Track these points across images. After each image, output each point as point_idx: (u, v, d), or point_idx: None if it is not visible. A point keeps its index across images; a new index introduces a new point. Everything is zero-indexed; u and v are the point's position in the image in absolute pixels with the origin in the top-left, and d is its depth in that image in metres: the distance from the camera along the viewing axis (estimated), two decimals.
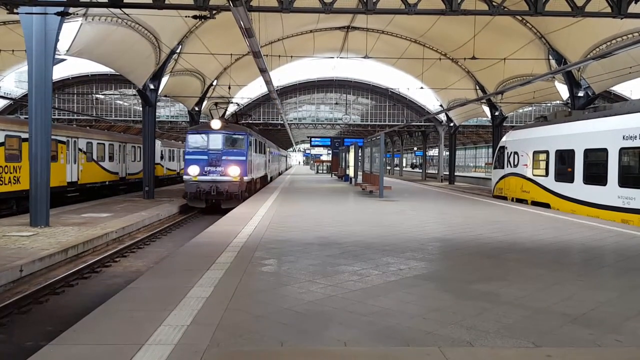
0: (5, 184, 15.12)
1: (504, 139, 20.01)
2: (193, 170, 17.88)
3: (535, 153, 16.53)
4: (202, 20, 11.98)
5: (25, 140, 15.72)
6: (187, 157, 18.41)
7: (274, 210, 13.17)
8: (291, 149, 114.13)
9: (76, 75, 47.66)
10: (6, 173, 15.12)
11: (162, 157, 31.60)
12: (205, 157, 18.07)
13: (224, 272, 5.91)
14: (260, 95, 48.07)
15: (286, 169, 61.96)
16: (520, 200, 17.29)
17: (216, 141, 18.36)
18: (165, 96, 27.64)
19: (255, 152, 21.38)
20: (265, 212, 12.53)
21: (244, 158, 18.36)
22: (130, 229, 13.33)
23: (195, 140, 18.56)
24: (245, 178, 18.28)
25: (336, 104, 51.48)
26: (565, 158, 14.80)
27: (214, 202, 18.19)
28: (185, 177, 18.21)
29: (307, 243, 8.05)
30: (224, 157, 18.11)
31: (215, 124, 18.44)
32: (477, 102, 30.35)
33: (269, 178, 30.33)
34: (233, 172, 17.87)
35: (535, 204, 16.03)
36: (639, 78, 21.83)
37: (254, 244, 7.92)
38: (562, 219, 12.00)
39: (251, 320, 4.25)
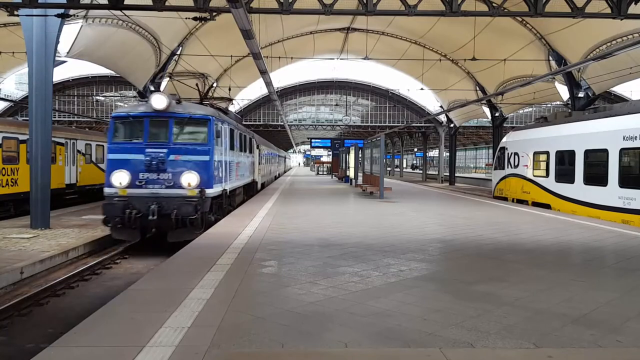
0: (3, 187, 15.11)
1: (504, 139, 20.01)
2: (119, 179, 10.80)
3: (536, 154, 16.53)
4: (203, 22, 12.00)
5: (23, 142, 15.72)
6: (109, 156, 11.26)
7: (274, 211, 13.17)
8: (291, 150, 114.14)
9: (76, 77, 47.75)
10: (3, 175, 15.11)
11: None
12: (141, 157, 10.98)
13: (224, 274, 5.91)
14: (261, 96, 48.16)
15: (285, 172, 58.19)
16: (520, 201, 17.28)
17: (159, 129, 11.31)
18: None
19: (233, 148, 14.49)
20: (266, 214, 12.53)
21: (206, 157, 11.37)
22: None
23: (124, 128, 11.45)
24: (210, 191, 11.31)
25: (336, 105, 51.53)
26: (565, 159, 14.81)
27: (155, 230, 11.24)
28: (106, 189, 10.97)
29: (307, 244, 8.05)
30: (172, 157, 11.06)
31: (158, 100, 11.19)
32: (477, 103, 30.39)
33: (259, 185, 22.84)
34: (187, 180, 10.92)
35: (536, 204, 16.02)
36: (639, 79, 21.85)
37: (254, 245, 7.92)
38: (562, 219, 12.00)
39: (252, 322, 4.24)
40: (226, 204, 13.55)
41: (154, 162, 10.96)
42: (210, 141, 11.53)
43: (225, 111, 15.67)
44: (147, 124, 11.26)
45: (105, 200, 11.00)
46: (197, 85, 15.80)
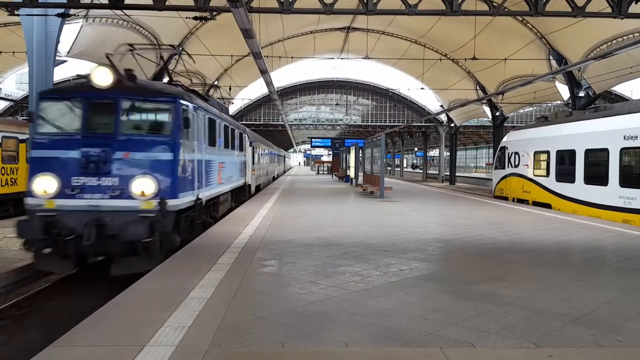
0: (2, 186, 15.10)
1: (504, 139, 20.01)
2: (43, 186, 7.64)
3: (536, 153, 16.52)
4: (203, 21, 12.00)
5: (22, 141, 15.73)
6: (32, 153, 8.07)
7: (275, 211, 13.17)
8: (292, 150, 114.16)
9: (77, 77, 47.77)
10: (3, 175, 15.10)
11: None
12: (76, 155, 7.72)
13: (225, 273, 5.91)
14: (261, 96, 48.17)
15: (285, 172, 56.90)
16: (521, 201, 17.28)
17: (103, 115, 8.08)
18: None
19: (215, 144, 11.37)
20: (266, 213, 12.53)
21: (169, 155, 8.09)
22: None
23: (53, 113, 8.21)
24: (175, 202, 8.06)
25: (337, 104, 51.54)
26: (566, 158, 14.80)
27: (97, 257, 7.97)
28: (28, 200, 7.72)
29: (307, 244, 8.05)
30: (119, 154, 7.82)
31: (100, 75, 8.00)
32: (477, 103, 30.38)
33: (252, 189, 19.69)
34: (141, 187, 7.73)
35: (536, 204, 16.02)
36: (639, 78, 21.85)
37: (254, 245, 7.92)
38: (563, 219, 11.99)
39: (252, 321, 4.24)
40: (202, 217, 10.12)
41: (92, 162, 7.67)
42: (175, 132, 8.18)
43: (206, 97, 12.40)
44: (85, 107, 7.99)
45: (26, 216, 7.78)
46: (161, 58, 11.69)
